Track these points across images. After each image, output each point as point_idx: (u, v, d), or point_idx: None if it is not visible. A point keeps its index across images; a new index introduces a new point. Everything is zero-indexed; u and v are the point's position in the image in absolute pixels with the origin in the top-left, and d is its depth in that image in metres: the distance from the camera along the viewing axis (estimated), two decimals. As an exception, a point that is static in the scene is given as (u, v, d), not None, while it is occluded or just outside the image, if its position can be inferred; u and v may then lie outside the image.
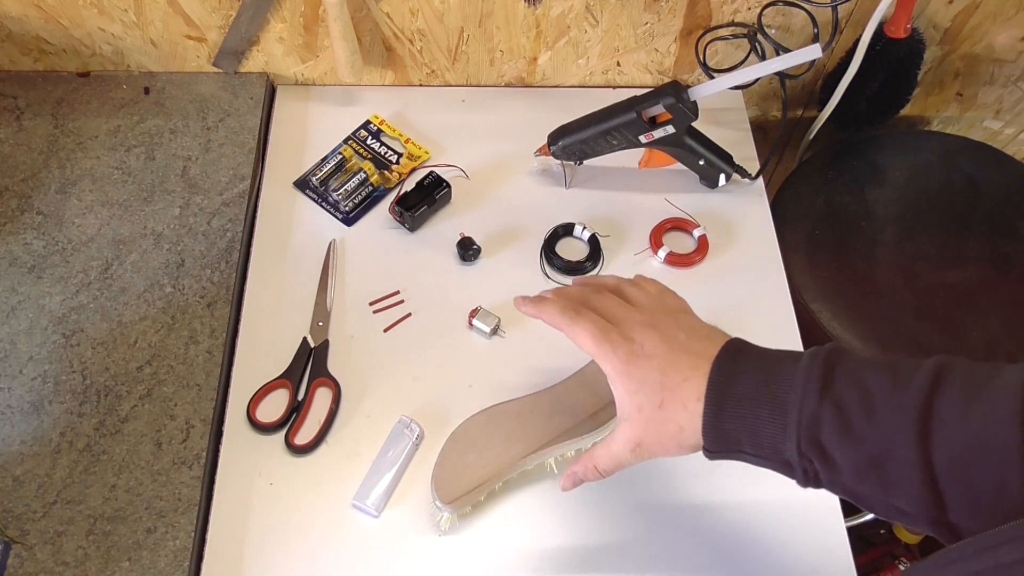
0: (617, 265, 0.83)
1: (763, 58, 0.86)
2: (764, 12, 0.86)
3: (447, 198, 0.85)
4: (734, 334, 0.81)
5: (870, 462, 0.47)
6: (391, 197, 0.86)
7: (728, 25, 0.88)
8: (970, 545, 0.35)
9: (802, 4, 0.83)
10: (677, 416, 0.52)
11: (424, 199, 0.83)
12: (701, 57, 0.89)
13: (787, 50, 0.77)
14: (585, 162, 0.86)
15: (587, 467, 0.58)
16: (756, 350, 0.53)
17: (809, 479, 0.50)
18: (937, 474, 0.44)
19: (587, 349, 0.56)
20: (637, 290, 0.60)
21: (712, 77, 0.80)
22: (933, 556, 0.37)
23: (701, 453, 0.54)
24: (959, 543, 0.36)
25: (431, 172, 0.85)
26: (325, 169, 0.87)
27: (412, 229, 0.84)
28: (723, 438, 0.51)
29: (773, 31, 0.90)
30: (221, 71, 0.91)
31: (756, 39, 0.86)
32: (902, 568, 1.16)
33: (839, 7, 0.81)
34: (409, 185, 0.85)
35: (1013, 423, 0.42)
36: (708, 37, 0.89)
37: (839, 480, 0.48)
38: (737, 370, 0.51)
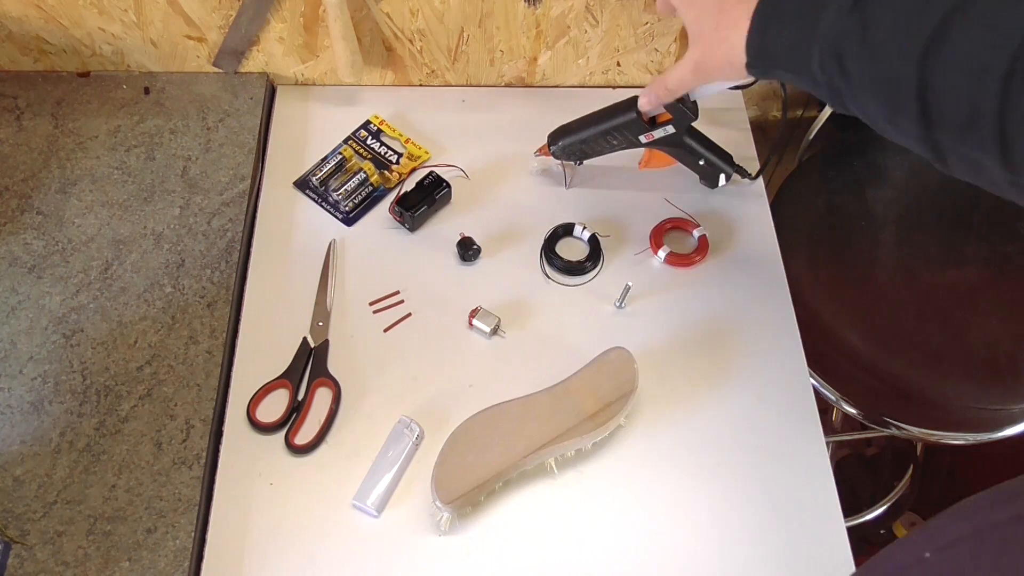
0: (617, 265, 0.83)
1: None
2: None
3: (447, 198, 0.85)
4: (734, 334, 0.81)
5: (879, 77, 0.50)
6: (391, 197, 0.86)
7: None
8: (986, 496, 0.37)
9: None
10: (730, 35, 0.59)
11: (424, 199, 0.83)
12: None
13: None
14: (585, 162, 0.86)
15: (659, 87, 0.69)
16: None
17: (833, 93, 0.54)
18: (928, 91, 0.48)
19: None
20: None
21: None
22: (951, 510, 0.38)
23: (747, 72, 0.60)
24: (976, 496, 0.38)
25: (431, 172, 0.85)
26: (325, 169, 0.87)
27: (412, 229, 0.84)
28: (763, 53, 0.57)
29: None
30: (221, 71, 0.91)
31: None
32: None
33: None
34: (409, 185, 0.85)
35: (1003, 54, 0.44)
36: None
37: (857, 95, 0.53)
38: None
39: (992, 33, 0.46)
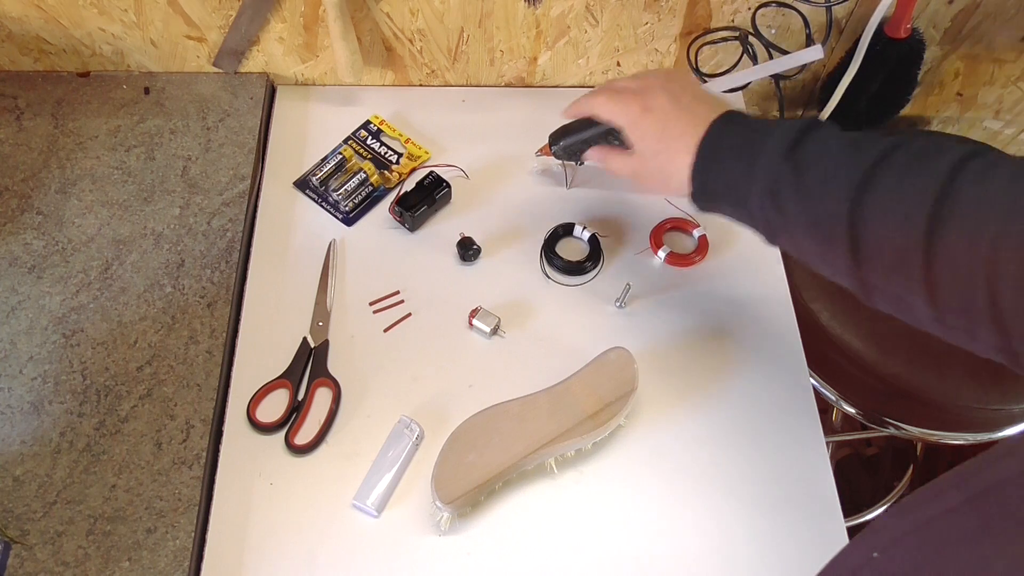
0: (617, 265, 0.83)
1: (755, 60, 0.86)
2: (762, 12, 0.86)
3: (447, 198, 0.85)
4: (734, 334, 0.81)
5: (812, 217, 0.55)
6: (391, 197, 0.86)
7: (719, 30, 0.88)
8: (922, 492, 0.38)
9: (794, 5, 0.83)
10: (669, 165, 0.63)
11: (424, 199, 0.83)
12: (694, 62, 0.89)
13: (782, 51, 0.77)
14: (586, 162, 0.86)
15: (610, 154, 0.71)
16: (754, 118, 0.62)
17: (770, 229, 0.59)
18: (859, 233, 0.52)
19: (606, 114, 0.68)
20: (653, 69, 0.69)
21: (704, 81, 0.80)
22: (893, 507, 0.39)
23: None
24: (912, 493, 0.39)
25: (431, 172, 0.85)
26: (325, 169, 0.87)
27: (412, 229, 0.84)
28: (705, 189, 0.62)
29: (772, 31, 0.90)
30: (221, 71, 0.91)
31: (748, 42, 0.86)
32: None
33: (834, 8, 0.81)
34: (409, 185, 0.85)
35: (927, 199, 0.48)
36: (699, 43, 0.89)
37: (787, 230, 0.57)
38: (730, 131, 0.61)
39: (916, 181, 0.50)
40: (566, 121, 0.79)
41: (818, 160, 0.55)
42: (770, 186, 0.57)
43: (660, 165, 0.64)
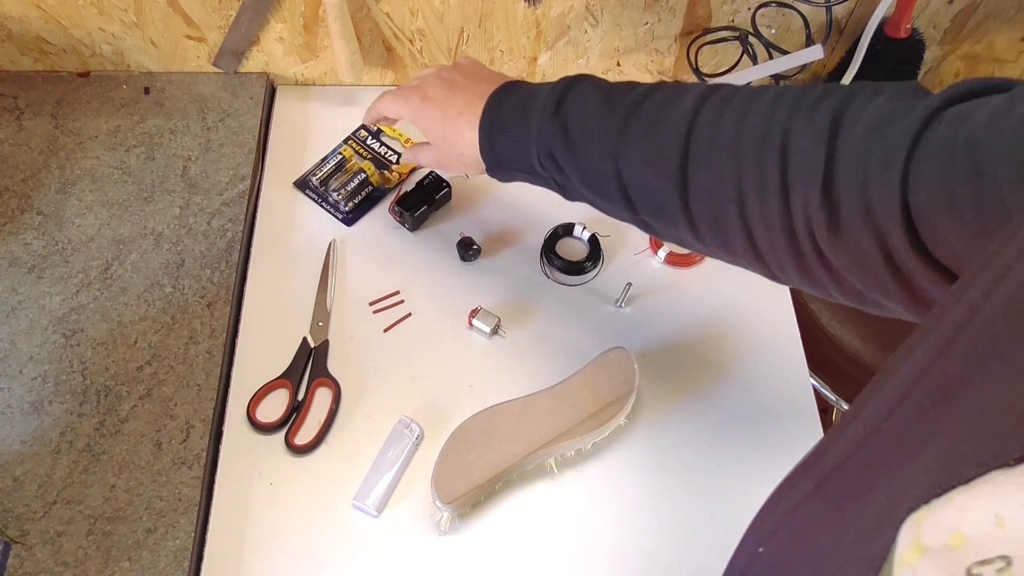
0: (617, 265, 0.83)
1: (755, 60, 0.86)
2: (762, 12, 0.86)
3: (447, 198, 0.85)
4: (734, 334, 0.81)
5: (586, 172, 0.58)
6: (391, 197, 0.86)
7: (719, 30, 0.88)
8: (784, 483, 0.40)
9: (794, 5, 0.83)
10: (457, 144, 0.65)
11: (424, 199, 0.83)
12: (694, 62, 0.89)
13: (782, 51, 0.78)
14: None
15: (418, 150, 0.72)
16: (525, 84, 0.64)
17: (560, 188, 0.62)
18: (626, 183, 0.56)
19: (392, 111, 0.70)
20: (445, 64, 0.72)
21: (704, 81, 0.80)
22: (768, 499, 0.40)
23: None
24: (778, 484, 0.40)
25: (431, 172, 0.85)
26: (325, 169, 0.87)
27: (412, 229, 0.84)
28: (497, 159, 0.63)
29: (772, 31, 0.90)
30: (221, 71, 0.91)
31: (748, 42, 0.86)
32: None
33: (834, 8, 0.81)
34: (409, 185, 0.85)
35: (676, 144, 0.52)
36: (699, 43, 0.89)
37: (576, 188, 0.60)
38: (505, 99, 0.62)
39: (665, 125, 0.53)
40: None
41: (580, 117, 0.57)
42: (546, 147, 0.59)
43: (451, 147, 0.66)
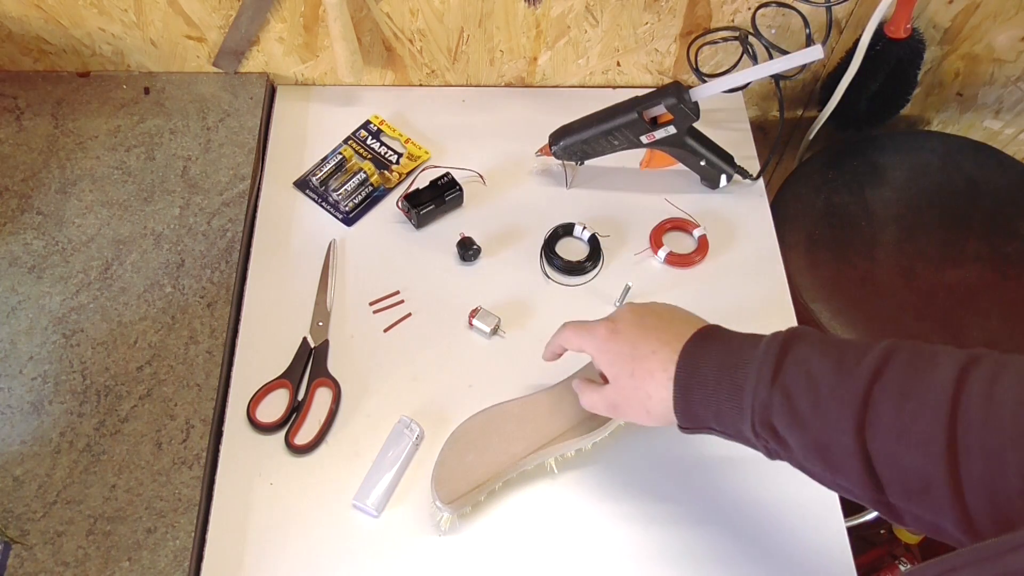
0: (617, 265, 0.83)
1: (755, 60, 0.86)
2: (762, 12, 0.86)
3: (458, 202, 0.85)
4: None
5: (816, 445, 0.50)
6: (391, 197, 0.86)
7: (719, 30, 0.88)
8: (970, 554, 0.36)
9: (794, 5, 0.83)
10: (645, 385, 0.58)
11: (434, 198, 0.82)
12: (694, 62, 0.89)
13: (782, 51, 0.77)
14: (586, 162, 0.86)
15: (583, 388, 0.65)
16: (725, 334, 0.58)
17: (772, 454, 0.55)
18: (873, 460, 0.48)
19: (574, 344, 0.65)
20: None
21: (704, 81, 0.80)
22: (930, 563, 0.37)
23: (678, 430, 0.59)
24: (958, 551, 0.37)
25: (447, 173, 0.84)
26: (325, 169, 0.87)
27: (418, 226, 0.84)
28: (692, 417, 0.57)
29: (773, 31, 0.90)
30: (221, 71, 0.91)
31: (748, 42, 0.86)
32: (902, 568, 1.16)
33: (834, 8, 0.81)
34: (423, 182, 0.84)
35: (939, 423, 0.45)
36: (699, 43, 0.89)
37: (793, 458, 0.53)
38: (704, 354, 0.56)
39: (920, 402, 0.46)
40: (565, 121, 0.79)
41: (806, 385, 0.51)
42: (764, 418, 0.52)
43: (637, 388, 0.59)
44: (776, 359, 0.52)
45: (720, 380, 0.54)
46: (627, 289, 0.79)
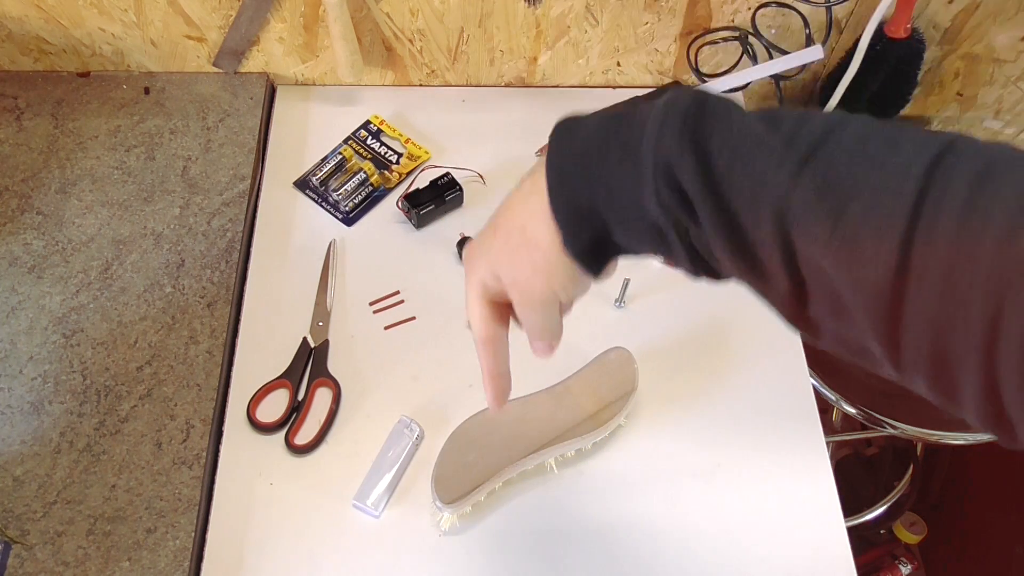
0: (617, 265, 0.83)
1: (755, 60, 0.86)
2: (762, 12, 0.86)
3: (458, 202, 0.85)
4: (734, 334, 0.81)
5: (731, 222, 0.38)
6: (391, 197, 0.86)
7: (719, 30, 0.88)
8: None
9: (794, 5, 0.83)
10: (519, 218, 0.47)
11: (434, 198, 0.82)
12: (694, 62, 0.89)
13: (782, 51, 0.77)
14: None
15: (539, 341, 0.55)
16: (597, 112, 0.44)
17: (675, 246, 0.41)
18: (798, 259, 0.37)
19: (473, 280, 0.53)
20: None
21: (704, 81, 0.80)
22: None
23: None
24: None
25: (447, 173, 0.84)
26: (325, 169, 0.87)
27: (418, 226, 0.84)
28: (576, 213, 0.42)
29: (773, 31, 0.90)
30: (221, 71, 0.91)
31: (748, 42, 0.86)
32: (902, 568, 1.16)
33: (834, 8, 0.81)
34: (423, 182, 0.84)
35: (893, 229, 0.33)
36: (699, 43, 0.89)
37: (701, 239, 0.40)
38: (576, 131, 0.42)
39: (869, 195, 0.34)
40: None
41: (723, 139, 0.38)
42: (668, 176, 0.39)
43: (510, 233, 0.48)
44: (684, 112, 0.39)
45: (606, 144, 0.41)
46: (626, 284, 0.79)
